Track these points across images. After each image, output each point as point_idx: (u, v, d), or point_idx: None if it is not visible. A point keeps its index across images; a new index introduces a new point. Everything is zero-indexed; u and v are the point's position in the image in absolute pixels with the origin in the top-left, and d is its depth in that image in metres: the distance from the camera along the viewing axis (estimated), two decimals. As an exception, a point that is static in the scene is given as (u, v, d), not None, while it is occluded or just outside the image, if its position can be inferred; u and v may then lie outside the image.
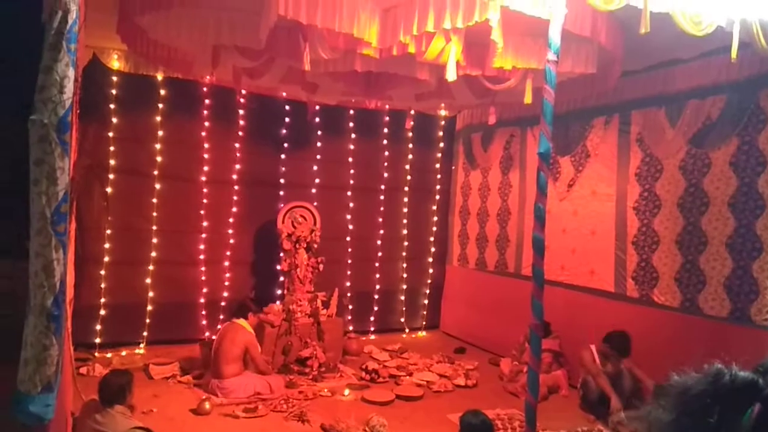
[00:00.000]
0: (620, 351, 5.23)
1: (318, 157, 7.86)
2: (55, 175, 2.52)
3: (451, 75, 4.22)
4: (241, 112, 7.29)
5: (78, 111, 4.45)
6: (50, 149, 2.51)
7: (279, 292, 7.37)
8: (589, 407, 5.44)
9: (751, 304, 4.82)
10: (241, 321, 5.76)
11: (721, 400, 0.65)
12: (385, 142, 8.29)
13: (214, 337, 6.04)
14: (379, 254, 8.33)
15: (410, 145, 8.48)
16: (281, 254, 6.89)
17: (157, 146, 6.88)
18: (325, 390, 5.86)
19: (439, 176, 8.79)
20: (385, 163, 8.32)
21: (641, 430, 0.72)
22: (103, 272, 6.66)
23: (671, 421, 0.67)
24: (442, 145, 8.76)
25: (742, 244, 4.91)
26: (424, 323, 8.72)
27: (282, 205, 7.18)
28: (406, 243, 8.55)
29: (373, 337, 8.12)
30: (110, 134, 6.64)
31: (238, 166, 7.32)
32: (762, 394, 0.64)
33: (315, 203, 7.37)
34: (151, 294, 6.92)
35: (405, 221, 8.53)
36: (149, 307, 6.92)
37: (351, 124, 8.04)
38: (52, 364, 2.55)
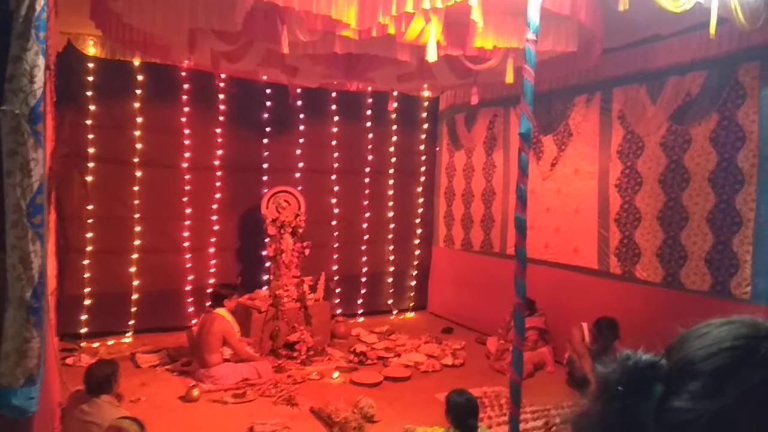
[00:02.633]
0: (607, 337, 5.28)
1: (301, 140, 7.81)
2: (29, 167, 2.48)
3: (431, 56, 4.18)
4: (221, 96, 7.21)
5: (54, 99, 4.37)
6: (23, 140, 2.46)
7: (265, 277, 7.35)
8: (575, 384, 5.52)
9: (731, 278, 4.90)
10: (219, 310, 5.72)
11: (628, 385, 0.66)
12: (368, 124, 8.25)
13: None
14: (365, 237, 8.34)
15: (394, 127, 8.44)
16: (266, 240, 6.86)
17: (137, 133, 6.79)
18: (314, 373, 5.89)
19: (423, 157, 8.78)
20: (369, 146, 8.29)
21: (574, 427, 0.73)
22: (86, 262, 6.60)
23: (595, 414, 0.69)
24: (425, 126, 8.74)
25: (723, 219, 4.97)
26: (411, 305, 8.78)
27: (266, 190, 7.14)
28: (392, 225, 8.56)
29: (360, 319, 8.16)
30: (88, 122, 6.54)
31: (219, 152, 7.26)
32: (660, 373, 0.66)
33: (299, 187, 7.34)
34: (136, 282, 6.88)
35: (390, 203, 8.53)
36: (135, 296, 6.89)
37: (333, 107, 7.98)
38: (34, 356, 2.53)
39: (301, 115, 7.76)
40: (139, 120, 6.78)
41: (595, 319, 5.42)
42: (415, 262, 8.81)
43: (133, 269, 6.87)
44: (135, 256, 6.87)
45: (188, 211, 7.12)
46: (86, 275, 6.62)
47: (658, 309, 5.28)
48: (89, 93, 6.52)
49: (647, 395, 0.65)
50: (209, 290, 7.08)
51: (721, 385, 0.61)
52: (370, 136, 8.28)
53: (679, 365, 0.66)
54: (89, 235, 6.60)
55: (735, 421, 0.60)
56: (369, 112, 8.22)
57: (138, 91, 6.75)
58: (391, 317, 8.44)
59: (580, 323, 5.59)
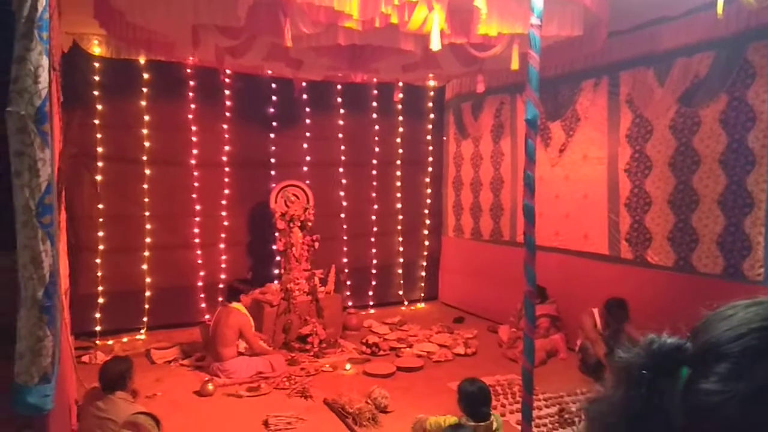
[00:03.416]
0: (618, 318, 5.26)
1: (307, 134, 7.80)
2: (36, 167, 2.50)
3: (435, 44, 4.16)
4: (227, 92, 7.21)
5: (61, 99, 4.39)
6: (29, 140, 2.48)
7: (276, 271, 7.38)
8: (588, 370, 5.51)
9: (743, 260, 4.85)
10: (235, 304, 5.78)
11: (653, 369, 0.65)
12: (374, 115, 8.22)
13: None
14: (375, 229, 8.33)
15: (400, 118, 8.41)
16: (276, 234, 6.88)
17: (144, 131, 6.82)
18: (327, 365, 5.92)
19: (430, 147, 8.75)
20: (376, 137, 8.27)
21: (591, 413, 0.71)
22: (98, 260, 6.66)
23: (617, 401, 0.67)
24: (432, 116, 8.70)
25: (734, 201, 4.92)
26: (422, 295, 8.78)
27: (274, 184, 7.15)
28: (400, 216, 8.55)
29: (372, 311, 8.17)
30: (96, 121, 6.57)
31: (227, 148, 7.27)
32: (686, 356, 0.65)
33: (307, 181, 7.34)
34: (148, 280, 6.94)
35: (399, 194, 8.52)
36: (147, 293, 6.94)
37: (339, 99, 7.97)
38: (48, 355, 2.56)
39: (307, 109, 7.75)
40: (147, 118, 6.81)
41: (602, 303, 5.40)
42: (425, 253, 8.80)
43: (145, 266, 6.92)
44: (146, 253, 6.92)
45: (198, 207, 7.15)
46: (99, 274, 6.67)
47: (670, 293, 5.25)
48: (96, 92, 6.54)
49: (673, 379, 0.63)
50: (221, 285, 7.13)
51: (751, 365, 0.60)
52: (377, 127, 8.25)
53: (706, 347, 0.64)
54: (100, 233, 6.65)
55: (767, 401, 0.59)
56: (375, 104, 8.19)
57: (144, 89, 6.77)
58: (403, 308, 8.46)
59: (591, 309, 5.57)
